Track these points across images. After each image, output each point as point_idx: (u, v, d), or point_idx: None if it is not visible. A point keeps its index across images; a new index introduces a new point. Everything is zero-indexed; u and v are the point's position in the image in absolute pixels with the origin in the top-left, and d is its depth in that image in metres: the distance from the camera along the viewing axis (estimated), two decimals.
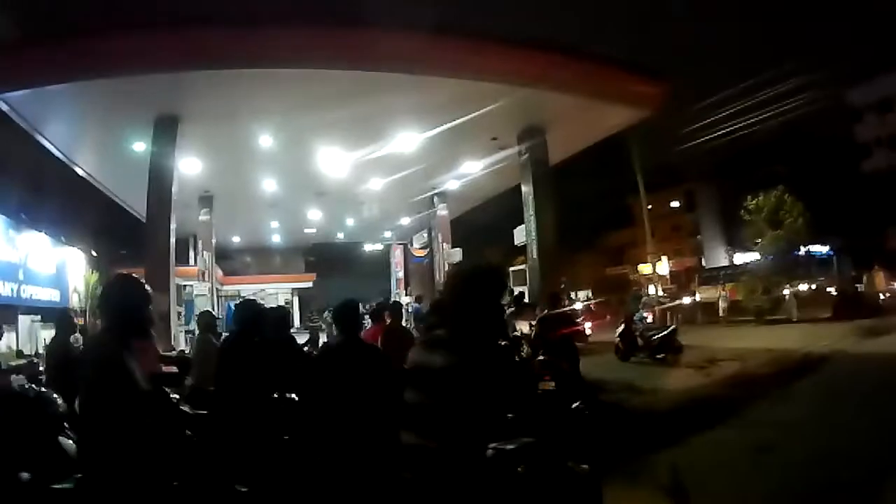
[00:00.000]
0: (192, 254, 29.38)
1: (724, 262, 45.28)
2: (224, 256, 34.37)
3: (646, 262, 35.36)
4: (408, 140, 16.13)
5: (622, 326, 14.01)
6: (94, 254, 24.05)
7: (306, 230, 29.86)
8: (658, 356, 12.68)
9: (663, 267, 45.05)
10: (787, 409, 7.35)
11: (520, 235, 16.99)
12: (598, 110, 15.26)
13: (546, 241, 15.90)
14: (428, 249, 27.68)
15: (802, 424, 6.54)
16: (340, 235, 33.35)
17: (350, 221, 28.69)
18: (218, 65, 12.26)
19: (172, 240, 14.90)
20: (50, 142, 15.76)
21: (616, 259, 51.81)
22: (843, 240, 30.66)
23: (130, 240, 24.97)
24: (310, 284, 34.81)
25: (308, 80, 12.97)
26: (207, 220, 21.77)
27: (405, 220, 28.16)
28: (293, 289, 34.46)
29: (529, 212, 16.02)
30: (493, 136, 15.99)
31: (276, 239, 32.94)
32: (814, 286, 24.25)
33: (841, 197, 34.44)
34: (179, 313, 18.25)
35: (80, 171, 18.60)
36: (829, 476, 4.87)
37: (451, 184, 21.14)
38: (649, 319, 15.97)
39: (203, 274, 21.49)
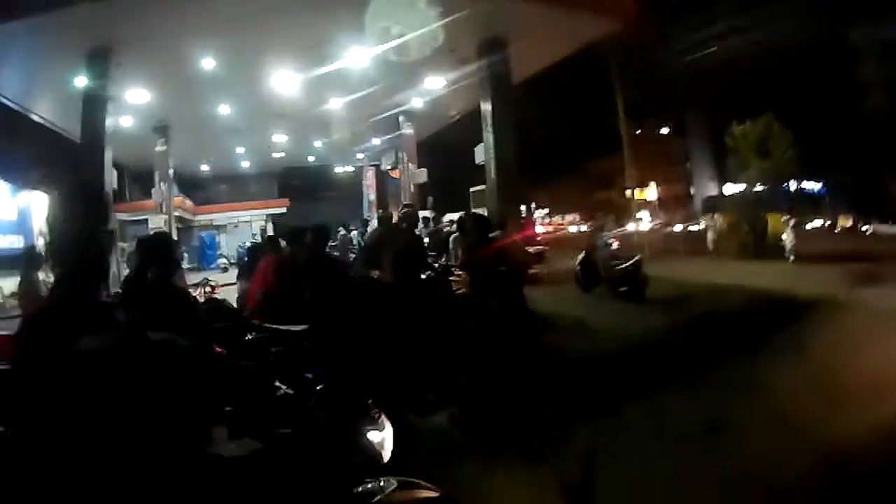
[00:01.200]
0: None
1: (714, 192, 45.00)
2: (195, 186, 33.91)
3: (636, 188, 34.88)
4: (360, 54, 15.10)
5: (582, 254, 13.09)
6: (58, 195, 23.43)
7: (275, 155, 28.90)
8: (620, 289, 11.55)
9: (651, 193, 44.84)
10: (757, 370, 6.12)
11: (479, 154, 16.09)
12: (564, 20, 14.10)
13: (505, 161, 15.01)
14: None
15: (772, 393, 5.31)
16: (311, 159, 32.50)
17: (318, 144, 27.76)
18: None
19: (109, 174, 14.42)
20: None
21: (605, 183, 51.14)
22: (837, 178, 29.49)
23: None
24: (283, 210, 34.12)
25: None
26: (164, 150, 20.93)
27: (376, 142, 27.20)
28: (267, 215, 33.76)
29: (487, 129, 15.16)
30: (451, 47, 14.94)
31: (245, 165, 32.16)
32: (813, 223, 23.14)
33: (837, 135, 33.05)
34: (124, 249, 17.85)
35: (35, 118, 18.41)
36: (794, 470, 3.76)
37: (416, 102, 20.19)
38: (614, 246, 15.10)
39: (161, 206, 20.85)
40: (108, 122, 14.81)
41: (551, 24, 14.33)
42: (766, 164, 24.93)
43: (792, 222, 16.02)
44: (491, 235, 7.38)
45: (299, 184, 37.28)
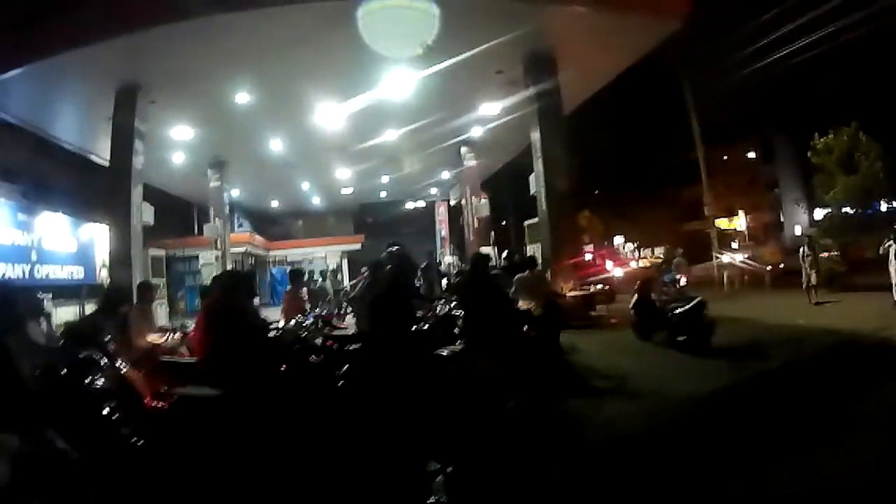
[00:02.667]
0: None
1: (804, 217, 41.80)
2: (270, 222, 34.58)
3: (719, 217, 32.40)
4: (404, 79, 14.20)
5: (635, 297, 10.99)
6: None
7: (343, 190, 28.48)
8: (679, 338, 9.57)
9: (740, 222, 41.89)
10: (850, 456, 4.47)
11: (534, 184, 14.58)
12: (610, 27, 12.60)
13: (556, 191, 13.39)
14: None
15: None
16: (384, 194, 32.00)
17: (385, 179, 27.14)
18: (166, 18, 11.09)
19: (138, 208, 14.12)
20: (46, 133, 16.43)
21: (694, 214, 48.37)
22: None
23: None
24: (359, 246, 33.86)
25: (269, 20, 11.33)
26: (218, 185, 20.96)
27: (446, 175, 26.27)
28: (342, 251, 33.56)
29: (537, 156, 13.79)
30: (497, 68, 13.89)
31: (316, 201, 31.99)
32: None
33: None
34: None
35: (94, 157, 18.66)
36: None
37: (475, 131, 19.07)
38: (682, 282, 13.19)
39: (216, 241, 20.73)
40: (160, 157, 15.46)
41: (599, 39, 12.91)
42: (853, 181, 21.95)
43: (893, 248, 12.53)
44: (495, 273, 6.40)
45: (374, 220, 36.98)
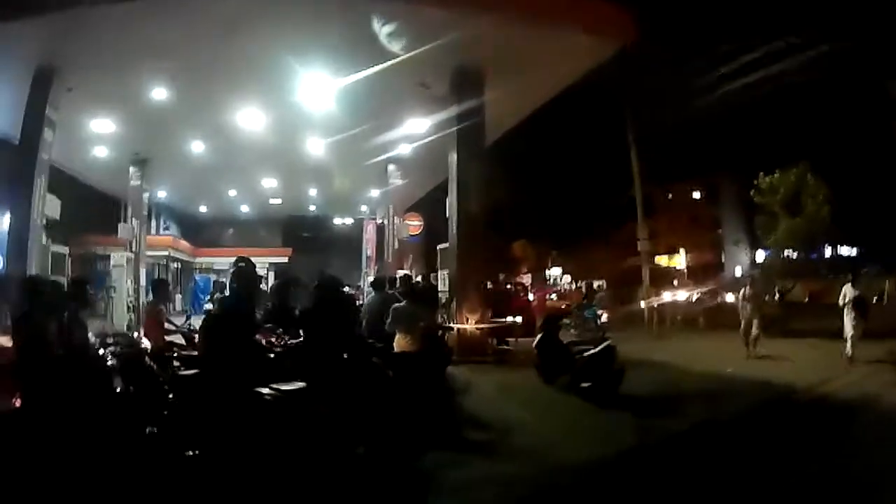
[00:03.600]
0: (153, 223, 27.83)
1: (746, 259, 42.29)
2: (199, 227, 33.61)
3: (655, 253, 32.07)
4: (327, 82, 13.41)
5: (540, 334, 9.98)
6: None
7: (272, 200, 27.76)
8: (583, 384, 8.55)
9: (680, 260, 42.07)
10: None
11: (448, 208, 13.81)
12: (545, 44, 12.15)
13: (467, 216, 12.79)
14: (421, 227, 24.52)
15: None
16: (312, 208, 31.31)
17: (313, 192, 26.61)
18: None
19: (38, 205, 12.92)
20: None
21: (634, 250, 48.56)
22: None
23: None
24: (286, 259, 32.61)
25: (191, 9, 10.69)
26: (137, 184, 19.92)
27: (375, 193, 25.47)
28: (269, 263, 32.13)
29: (452, 177, 12.93)
30: (422, 81, 13.08)
31: (245, 210, 31.14)
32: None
33: (876, 192, 28.98)
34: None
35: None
36: None
37: (402, 148, 18.46)
38: (604, 318, 12.33)
39: (131, 243, 19.34)
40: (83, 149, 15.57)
41: (532, 57, 12.45)
42: (798, 223, 21.33)
43: (849, 293, 11.37)
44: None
45: (302, 233, 36.06)
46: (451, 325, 12.17)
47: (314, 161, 19.89)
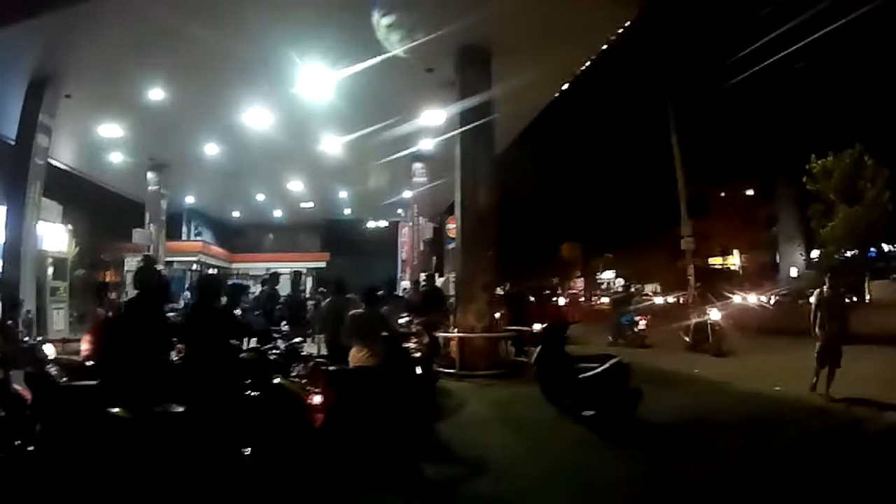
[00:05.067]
0: (184, 229, 27.68)
1: (801, 258, 39.74)
2: (232, 233, 33.59)
3: (710, 254, 30.18)
4: (334, 74, 12.59)
5: (539, 347, 8.57)
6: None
7: (303, 204, 27.18)
8: (585, 413, 6.95)
9: (735, 261, 39.83)
10: None
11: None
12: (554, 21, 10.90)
13: (474, 212, 11.39)
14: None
15: None
16: (347, 211, 30.77)
17: (343, 194, 25.95)
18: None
19: (33, 210, 12.65)
20: None
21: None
22: None
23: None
24: (324, 264, 32.01)
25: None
26: (156, 189, 19.46)
27: (408, 195, 24.32)
28: (308, 268, 31.57)
29: (457, 168, 11.62)
30: (428, 66, 12.25)
31: (278, 214, 30.76)
32: None
33: None
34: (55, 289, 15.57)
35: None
36: None
37: (424, 144, 17.49)
38: (641, 325, 10.76)
39: (149, 248, 18.96)
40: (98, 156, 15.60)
41: (540, 38, 11.41)
42: (856, 213, 18.30)
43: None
44: None
45: (341, 237, 35.26)
46: (451, 332, 11.03)
47: (341, 162, 19.25)
